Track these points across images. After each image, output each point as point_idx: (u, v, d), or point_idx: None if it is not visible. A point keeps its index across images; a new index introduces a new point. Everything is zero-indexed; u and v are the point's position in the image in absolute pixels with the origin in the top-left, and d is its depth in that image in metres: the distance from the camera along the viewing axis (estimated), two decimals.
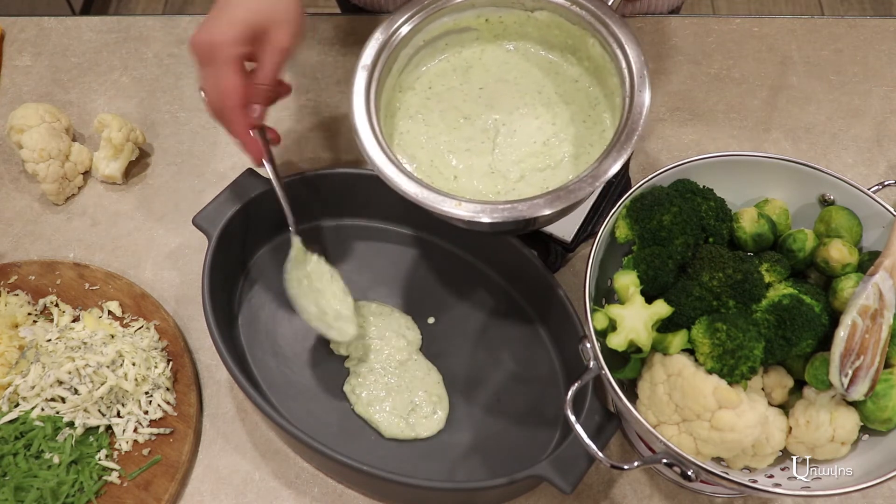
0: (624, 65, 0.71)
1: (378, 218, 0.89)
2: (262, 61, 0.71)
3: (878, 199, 0.71)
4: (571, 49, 0.79)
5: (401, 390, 0.78)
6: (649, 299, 0.67)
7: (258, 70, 0.71)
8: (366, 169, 0.86)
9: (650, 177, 0.72)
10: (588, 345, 0.65)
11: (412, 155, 0.75)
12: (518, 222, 0.69)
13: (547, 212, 0.66)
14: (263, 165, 0.77)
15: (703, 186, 0.73)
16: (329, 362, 0.82)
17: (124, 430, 0.76)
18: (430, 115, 0.78)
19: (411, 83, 0.79)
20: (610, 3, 0.74)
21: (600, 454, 0.62)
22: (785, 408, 0.68)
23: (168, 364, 0.80)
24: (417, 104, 0.79)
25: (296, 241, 0.78)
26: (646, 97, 0.68)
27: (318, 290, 0.78)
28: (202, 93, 0.73)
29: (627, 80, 0.70)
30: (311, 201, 0.86)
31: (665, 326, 0.67)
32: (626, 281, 0.67)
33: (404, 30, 0.76)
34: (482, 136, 0.76)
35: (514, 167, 0.74)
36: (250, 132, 0.73)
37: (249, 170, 0.83)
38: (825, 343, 0.65)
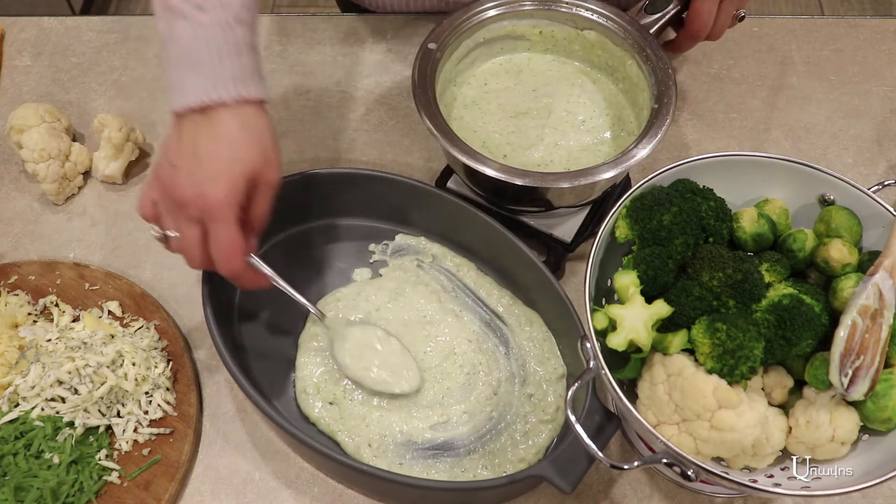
0: (654, 82, 0.82)
1: (378, 218, 0.89)
2: (256, 201, 0.69)
3: (878, 199, 0.71)
4: (610, 69, 0.90)
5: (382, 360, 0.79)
6: (649, 299, 0.67)
7: (252, 210, 0.69)
8: (366, 169, 0.86)
9: (650, 177, 0.72)
10: (588, 344, 0.65)
11: (464, 137, 0.81)
12: (542, 190, 0.80)
13: (565, 185, 0.76)
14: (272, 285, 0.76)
15: (703, 186, 0.73)
16: None
17: (124, 430, 0.76)
18: (488, 106, 0.89)
19: (466, 78, 0.91)
20: (651, 31, 0.85)
21: (600, 454, 0.62)
22: (785, 408, 0.68)
23: (168, 364, 0.80)
24: (474, 95, 0.90)
25: (330, 323, 0.79)
26: (669, 116, 0.79)
27: (369, 352, 0.79)
28: (157, 233, 0.70)
29: (656, 97, 0.81)
30: (311, 201, 0.86)
31: (665, 326, 0.67)
32: (626, 281, 0.67)
33: (480, 17, 0.87)
34: (534, 125, 0.87)
35: (560, 156, 0.85)
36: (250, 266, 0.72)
37: None
38: (825, 343, 0.65)
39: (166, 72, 0.67)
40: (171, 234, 0.69)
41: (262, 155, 0.67)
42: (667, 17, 0.87)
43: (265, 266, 0.73)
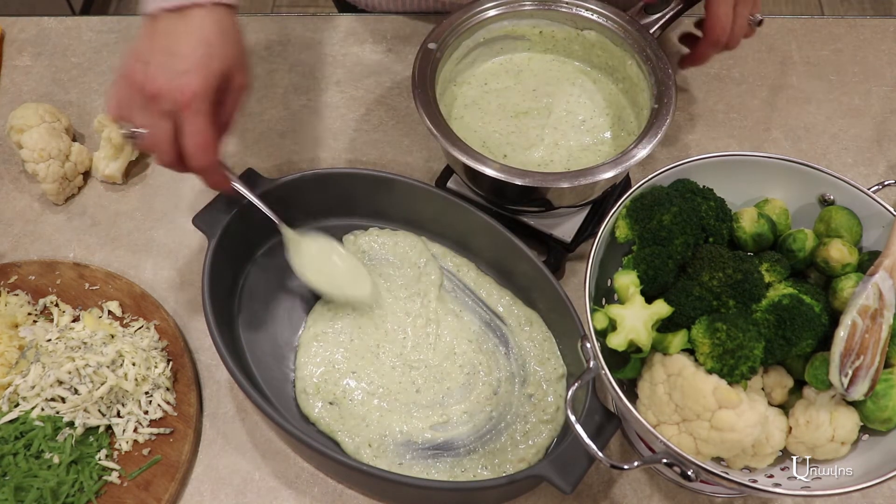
0: (654, 82, 0.82)
1: (377, 218, 0.89)
2: (226, 103, 0.71)
3: (878, 199, 0.71)
4: (610, 69, 0.90)
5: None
6: (649, 299, 0.67)
7: (223, 110, 0.71)
8: (366, 169, 0.86)
9: (650, 177, 0.72)
10: (588, 344, 0.65)
11: (465, 137, 0.81)
12: (542, 190, 0.80)
13: (565, 185, 0.76)
14: (234, 190, 0.77)
15: (703, 186, 0.73)
16: None
17: (124, 430, 0.76)
18: (488, 106, 0.89)
19: (466, 78, 0.91)
20: (651, 31, 0.85)
21: (600, 454, 0.62)
22: (785, 408, 0.68)
23: (168, 364, 0.80)
24: (474, 95, 0.90)
25: (286, 231, 0.81)
26: (669, 116, 0.79)
27: (325, 264, 0.82)
28: (127, 130, 0.70)
29: (656, 97, 0.81)
30: (311, 201, 0.86)
31: (665, 326, 0.67)
32: (626, 281, 0.67)
33: (480, 18, 0.87)
34: (535, 125, 0.87)
35: (560, 156, 0.85)
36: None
37: (249, 170, 0.83)
38: (825, 343, 0.65)
39: None
40: (140, 131, 0.69)
41: (237, 55, 0.70)
42: (667, 17, 0.87)
43: (231, 171, 0.76)
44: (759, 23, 0.85)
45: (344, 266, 0.82)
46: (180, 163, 0.70)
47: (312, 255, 0.82)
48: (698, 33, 0.86)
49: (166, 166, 0.70)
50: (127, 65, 0.68)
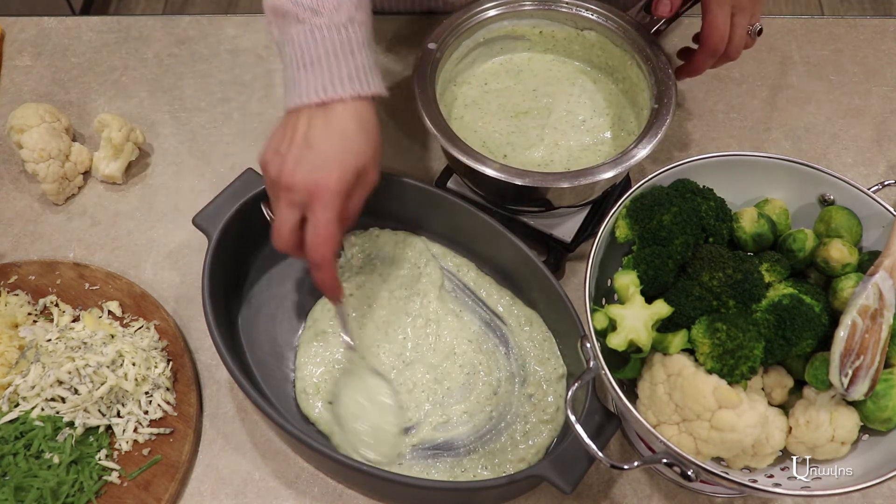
0: (654, 82, 0.82)
1: (377, 218, 0.89)
2: (352, 198, 0.69)
3: (878, 199, 0.71)
4: (610, 69, 0.90)
5: None
6: (649, 299, 0.67)
7: (347, 205, 0.69)
8: None
9: (650, 177, 0.73)
10: (588, 344, 0.65)
11: (465, 137, 0.81)
12: (542, 190, 0.80)
13: (565, 185, 0.76)
14: (340, 303, 0.76)
15: (703, 186, 0.73)
16: None
17: (124, 430, 0.76)
18: (488, 106, 0.89)
19: (466, 78, 0.91)
20: (651, 31, 0.85)
21: (600, 454, 0.62)
22: (785, 408, 0.68)
23: (168, 364, 0.80)
24: (474, 95, 0.90)
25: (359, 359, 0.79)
26: (669, 116, 0.79)
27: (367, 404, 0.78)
28: (268, 214, 0.72)
29: (656, 97, 0.81)
30: None
31: (665, 326, 0.67)
32: (626, 281, 0.67)
33: (480, 18, 0.87)
34: (534, 125, 0.87)
35: (560, 156, 0.85)
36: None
37: (249, 170, 0.83)
38: (825, 343, 0.65)
39: (284, 72, 0.70)
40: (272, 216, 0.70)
41: (373, 151, 0.69)
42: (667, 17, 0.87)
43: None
44: (759, 32, 0.83)
45: (378, 418, 0.77)
46: (298, 250, 0.69)
47: (363, 389, 0.78)
48: (695, 47, 0.85)
49: (282, 251, 0.70)
50: (265, 156, 0.69)
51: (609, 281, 0.73)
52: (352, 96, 0.67)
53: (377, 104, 0.71)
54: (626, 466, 0.63)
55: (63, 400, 0.76)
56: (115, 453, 0.76)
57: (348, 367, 0.79)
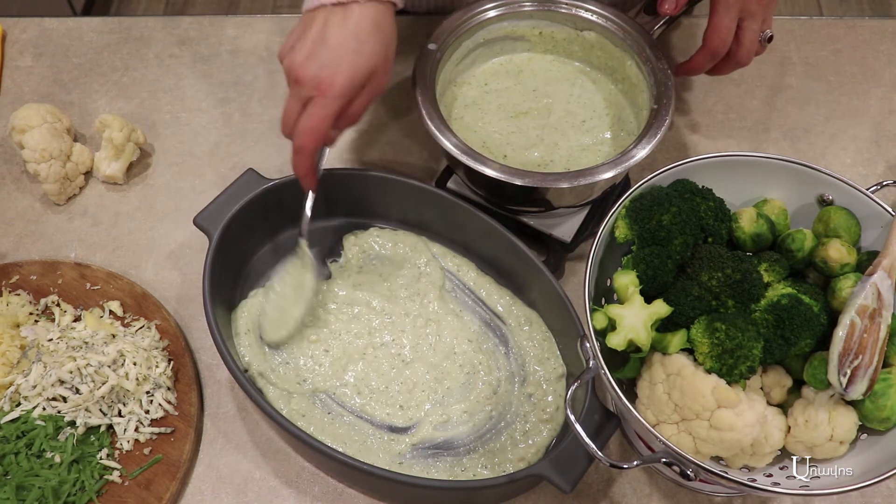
0: (654, 83, 0.82)
1: (377, 218, 0.89)
2: (356, 100, 0.71)
3: (877, 200, 0.71)
4: (610, 70, 0.91)
5: None
6: (648, 299, 0.67)
7: (350, 107, 0.72)
8: (366, 169, 0.86)
9: (649, 177, 0.73)
10: (587, 344, 0.65)
11: (465, 137, 0.82)
12: (542, 190, 0.80)
13: (565, 185, 0.76)
14: (312, 192, 0.79)
15: (702, 186, 0.73)
16: None
17: (125, 430, 0.77)
18: (488, 106, 0.89)
19: (466, 79, 0.91)
20: (651, 32, 0.85)
21: (600, 453, 0.62)
22: (784, 407, 0.68)
23: (169, 363, 0.81)
24: (474, 96, 0.90)
25: (304, 247, 0.81)
26: (668, 116, 0.79)
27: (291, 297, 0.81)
28: (287, 109, 0.73)
29: (655, 97, 0.81)
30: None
31: (664, 326, 0.67)
32: (626, 281, 0.68)
33: (480, 18, 0.88)
34: (534, 125, 0.87)
35: (560, 156, 0.86)
36: (312, 166, 0.75)
37: (250, 170, 0.83)
38: (824, 343, 0.66)
39: None
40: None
41: (385, 55, 0.70)
42: (666, 17, 0.87)
43: (321, 166, 0.77)
44: (769, 39, 0.82)
45: (295, 311, 0.81)
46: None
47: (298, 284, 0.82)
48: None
49: (286, 136, 0.73)
50: (282, 51, 0.71)
51: (608, 281, 0.74)
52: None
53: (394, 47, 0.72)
54: (625, 466, 0.63)
55: (64, 399, 0.76)
56: (117, 452, 0.76)
57: (296, 261, 0.82)
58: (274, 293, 0.82)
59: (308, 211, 0.80)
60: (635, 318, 0.66)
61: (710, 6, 0.81)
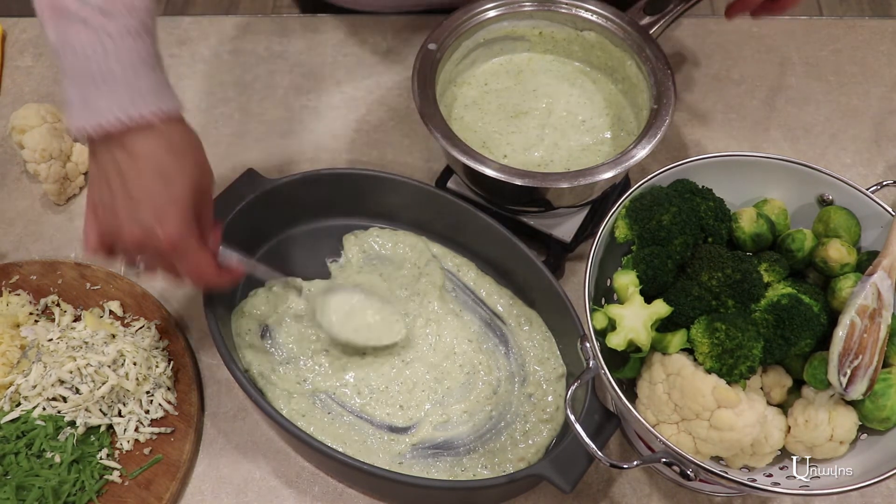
0: (654, 83, 0.82)
1: (377, 218, 0.89)
2: (201, 218, 0.66)
3: (877, 200, 0.71)
4: (610, 70, 0.91)
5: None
6: (648, 299, 0.67)
7: (202, 220, 0.67)
8: (366, 169, 0.86)
9: (649, 177, 0.73)
10: (587, 344, 0.65)
11: (465, 137, 0.82)
12: (542, 190, 0.80)
13: (565, 185, 0.76)
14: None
15: (702, 186, 0.73)
16: None
17: (125, 430, 0.77)
18: (488, 106, 0.89)
19: (466, 79, 0.91)
20: (651, 32, 0.86)
21: (600, 453, 0.62)
22: (784, 407, 0.68)
23: (169, 363, 0.81)
24: (474, 96, 0.90)
25: (313, 287, 0.82)
26: (668, 116, 0.79)
27: (359, 320, 0.80)
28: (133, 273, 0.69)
29: (655, 97, 0.81)
30: (311, 201, 0.86)
31: (664, 326, 0.67)
32: (626, 281, 0.68)
33: (480, 18, 0.87)
34: (534, 125, 0.87)
35: (560, 156, 0.86)
36: (220, 268, 0.69)
37: (250, 170, 0.83)
38: (824, 342, 0.66)
39: (63, 85, 0.61)
40: (138, 266, 0.67)
41: (197, 169, 0.64)
42: (667, 17, 0.87)
43: (233, 255, 0.72)
44: None
45: (379, 318, 0.81)
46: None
47: (345, 313, 0.80)
48: None
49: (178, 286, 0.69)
50: (94, 203, 0.64)
51: (608, 281, 0.74)
52: (157, 116, 0.60)
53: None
54: (625, 466, 0.63)
55: (64, 399, 0.76)
56: (117, 452, 0.76)
57: (312, 307, 0.81)
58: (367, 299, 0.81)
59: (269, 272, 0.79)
60: (635, 318, 0.66)
61: None
